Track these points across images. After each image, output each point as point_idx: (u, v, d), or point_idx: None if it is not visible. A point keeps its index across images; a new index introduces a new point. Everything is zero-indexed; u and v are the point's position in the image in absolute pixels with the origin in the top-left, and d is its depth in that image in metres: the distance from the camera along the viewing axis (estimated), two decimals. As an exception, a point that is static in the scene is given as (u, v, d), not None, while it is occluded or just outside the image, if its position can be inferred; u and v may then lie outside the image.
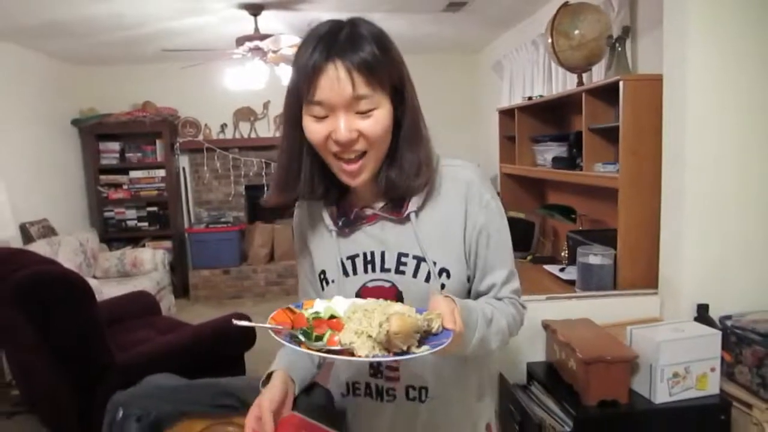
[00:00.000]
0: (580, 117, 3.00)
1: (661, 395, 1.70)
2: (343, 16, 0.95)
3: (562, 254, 2.91)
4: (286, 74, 4.16)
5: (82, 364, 2.32)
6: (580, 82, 2.76)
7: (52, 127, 5.05)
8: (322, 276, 1.08)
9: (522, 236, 3.28)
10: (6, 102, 4.32)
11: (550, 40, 2.69)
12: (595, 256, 2.17)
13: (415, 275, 1.01)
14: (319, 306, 0.90)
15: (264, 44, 3.73)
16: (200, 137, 5.71)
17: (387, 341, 0.79)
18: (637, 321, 1.95)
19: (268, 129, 5.85)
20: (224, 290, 5.51)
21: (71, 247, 4.50)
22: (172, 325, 3.17)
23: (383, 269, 1.03)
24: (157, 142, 5.56)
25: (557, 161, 2.87)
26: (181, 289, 5.55)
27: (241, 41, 3.86)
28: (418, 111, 1.00)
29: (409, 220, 1.02)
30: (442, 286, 1.00)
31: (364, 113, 0.91)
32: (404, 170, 0.98)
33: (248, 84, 4.17)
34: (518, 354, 2.08)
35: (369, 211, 1.04)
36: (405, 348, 0.80)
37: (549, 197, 3.44)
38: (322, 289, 1.08)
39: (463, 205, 1.03)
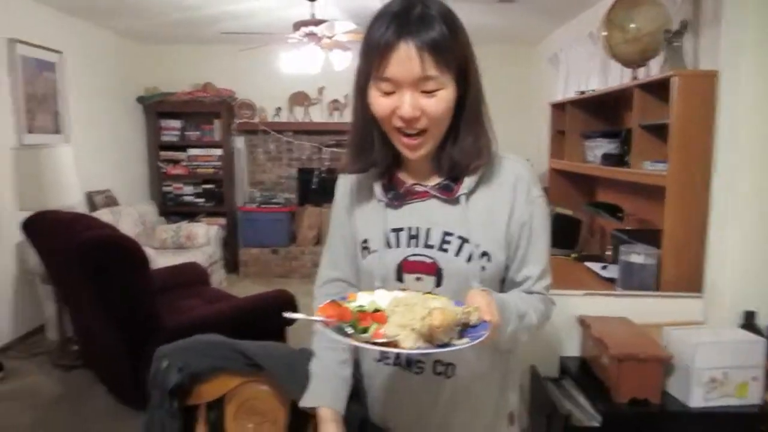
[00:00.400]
0: (631, 112, 2.94)
1: (696, 399, 1.68)
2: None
3: (607, 253, 2.87)
4: (339, 60, 4.23)
5: (133, 325, 2.47)
6: (635, 78, 2.70)
7: (118, 103, 5.32)
8: (364, 245, 1.12)
9: (568, 233, 3.23)
10: (78, 76, 4.59)
11: (604, 33, 2.64)
12: (638, 255, 2.14)
13: (457, 254, 1.05)
14: (363, 299, 0.95)
15: (319, 29, 3.80)
16: (256, 119, 5.87)
17: (429, 334, 0.84)
18: (677, 323, 1.92)
19: (321, 114, 5.95)
20: (273, 269, 5.67)
21: (131, 218, 4.74)
22: (219, 296, 3.31)
23: (426, 245, 1.07)
24: (215, 121, 5.76)
25: (607, 158, 2.82)
26: (232, 264, 5.75)
27: (297, 26, 3.94)
28: (480, 94, 1.04)
29: (459, 202, 1.06)
30: (482, 268, 1.04)
31: (430, 92, 0.96)
32: (464, 150, 1.03)
33: (303, 68, 4.26)
34: (552, 348, 2.08)
35: (420, 188, 1.09)
36: (446, 340, 0.85)
37: (597, 194, 3.38)
38: (363, 258, 1.12)
39: (512, 197, 1.07)
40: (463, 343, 0.85)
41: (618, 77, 3.51)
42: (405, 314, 0.87)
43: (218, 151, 5.78)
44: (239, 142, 5.98)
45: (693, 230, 2.07)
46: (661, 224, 2.15)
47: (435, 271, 1.06)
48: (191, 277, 3.58)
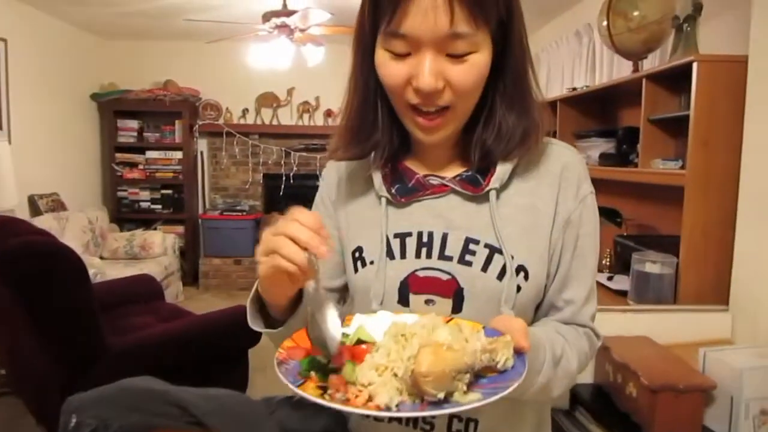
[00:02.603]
0: (630, 109, 2.74)
1: (744, 436, 1.42)
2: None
3: (604, 261, 2.64)
4: (312, 55, 3.94)
5: (69, 345, 2.10)
6: (636, 70, 2.48)
7: (70, 100, 4.88)
8: (357, 254, 0.83)
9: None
10: (25, 69, 4.16)
11: (605, 22, 2.42)
12: (654, 264, 1.89)
13: (485, 269, 0.77)
14: (356, 324, 0.68)
15: (291, 20, 3.49)
16: (221, 121, 5.51)
17: (414, 384, 0.55)
18: (704, 342, 1.67)
19: (290, 117, 5.63)
20: (235, 281, 5.30)
21: (79, 224, 4.32)
22: (174, 313, 2.95)
23: (442, 256, 0.78)
24: (177, 122, 5.37)
25: (605, 158, 2.59)
26: (192, 276, 5.35)
27: (268, 16, 3.63)
28: (527, 57, 0.76)
29: (488, 200, 0.78)
30: (518, 289, 0.76)
31: (458, 57, 0.69)
32: (503, 133, 0.76)
33: (272, 62, 3.95)
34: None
35: (436, 180, 0.81)
36: (439, 395, 0.56)
37: (591, 199, 3.15)
38: (355, 271, 0.83)
39: (555, 193, 0.80)
40: (470, 402, 0.56)
41: (608, 75, 3.32)
42: (391, 351, 0.59)
43: (178, 154, 5.38)
44: (202, 145, 5.61)
45: (716, 235, 1.84)
46: (668, 229, 1.93)
47: (454, 292, 0.77)
48: (143, 291, 3.20)
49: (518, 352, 0.62)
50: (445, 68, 0.69)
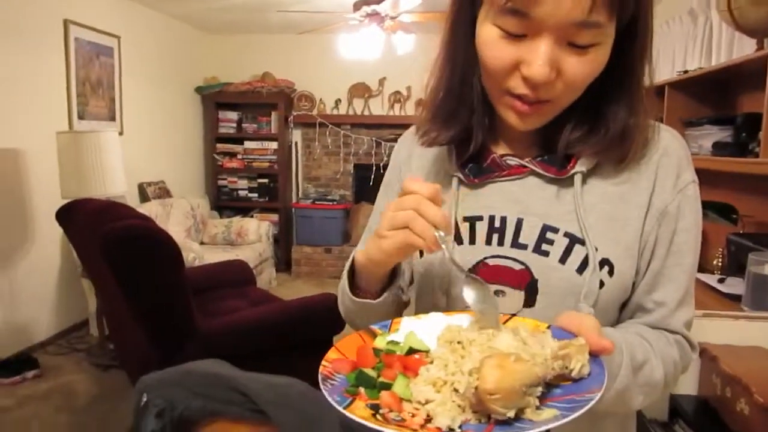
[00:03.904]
0: (752, 94, 2.46)
1: None
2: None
3: (715, 262, 2.40)
4: (402, 43, 3.90)
5: (163, 327, 2.21)
6: (760, 48, 2.21)
7: (176, 93, 5.18)
8: None
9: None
10: (136, 64, 4.46)
11: (725, -3, 2.17)
12: (774, 267, 1.67)
13: (563, 261, 0.69)
14: (406, 328, 0.61)
15: (381, 8, 3.47)
16: (314, 112, 5.62)
17: (479, 403, 0.48)
18: (834, 358, 1.45)
19: (381, 107, 5.63)
20: (325, 269, 5.40)
21: (182, 211, 4.58)
22: (263, 298, 3.04)
23: (516, 244, 0.71)
24: (273, 113, 5.55)
25: (720, 147, 2.34)
26: (285, 263, 5.52)
27: (358, 5, 3.63)
28: (648, 52, 0.67)
29: (572, 184, 0.70)
30: (601, 284, 0.67)
31: (581, 48, 0.60)
32: (596, 131, 0.68)
33: (363, 52, 3.96)
34: (657, 381, 1.65)
35: (514, 161, 0.73)
36: (510, 414, 0.48)
37: (702, 192, 2.87)
38: (420, 256, 0.77)
39: (651, 180, 0.70)
40: (546, 420, 0.48)
41: (726, 56, 3.00)
42: (449, 362, 0.52)
43: (274, 145, 5.56)
44: (296, 136, 5.76)
45: None
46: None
47: (526, 284, 0.70)
48: (236, 276, 3.32)
49: (593, 356, 0.54)
50: (561, 58, 0.61)
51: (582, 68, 0.61)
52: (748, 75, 2.36)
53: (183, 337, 2.25)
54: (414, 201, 0.60)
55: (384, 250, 0.63)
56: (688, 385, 1.60)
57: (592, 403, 0.48)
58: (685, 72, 2.73)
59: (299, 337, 2.57)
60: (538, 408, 0.50)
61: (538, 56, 0.59)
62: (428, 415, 0.50)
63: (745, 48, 2.61)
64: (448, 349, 0.54)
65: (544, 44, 0.59)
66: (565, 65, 0.61)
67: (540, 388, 0.51)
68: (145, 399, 0.81)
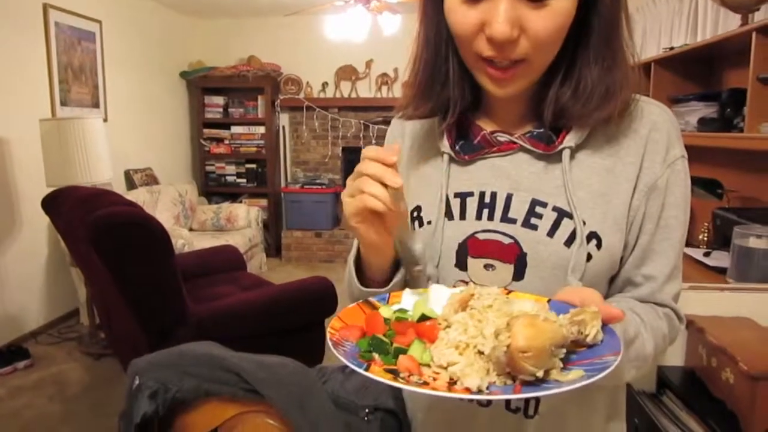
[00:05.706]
0: (737, 70, 2.48)
1: None
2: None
3: (701, 236, 2.44)
4: (388, 24, 3.87)
5: (153, 311, 2.21)
6: (744, 24, 2.21)
7: (161, 78, 5.11)
8: (415, 214, 0.79)
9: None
10: (119, 49, 4.39)
11: (710, -29, 2.17)
12: (759, 239, 1.70)
13: (551, 234, 0.70)
14: (408, 300, 0.62)
15: (367, -12, 3.44)
16: (301, 95, 5.58)
17: (510, 362, 0.49)
18: (818, 327, 1.48)
19: (369, 89, 5.60)
20: (316, 253, 5.41)
21: (170, 197, 4.55)
22: (255, 283, 3.04)
23: (505, 218, 0.72)
24: (259, 98, 5.50)
25: (705, 123, 2.36)
26: (275, 248, 5.52)
27: (343, -14, 3.60)
28: (619, 6, 0.67)
29: (560, 159, 0.71)
30: (588, 257, 0.68)
31: (539, 2, 0.61)
32: (580, 93, 0.68)
33: (349, 34, 3.92)
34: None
35: (503, 137, 0.74)
36: (540, 374, 0.49)
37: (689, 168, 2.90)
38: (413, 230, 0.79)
39: (640, 155, 0.71)
40: (572, 381, 0.49)
41: (711, 33, 3.01)
42: (469, 326, 0.53)
43: (261, 129, 5.51)
44: (283, 120, 5.72)
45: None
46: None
47: (515, 258, 0.71)
48: (226, 261, 3.32)
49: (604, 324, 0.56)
50: (522, 14, 0.62)
51: (544, 22, 0.62)
52: (733, 51, 2.37)
53: (175, 322, 2.25)
54: (361, 165, 0.63)
55: (348, 220, 0.66)
56: (675, 357, 1.63)
57: (615, 365, 0.50)
58: (671, 49, 2.74)
59: (291, 321, 2.58)
60: (563, 369, 0.51)
61: (497, 15, 0.61)
62: (450, 378, 0.50)
63: (730, 24, 2.61)
64: (468, 315, 0.54)
65: (502, 3, 0.61)
66: (527, 22, 0.62)
67: (564, 350, 0.52)
68: (137, 381, 0.82)
